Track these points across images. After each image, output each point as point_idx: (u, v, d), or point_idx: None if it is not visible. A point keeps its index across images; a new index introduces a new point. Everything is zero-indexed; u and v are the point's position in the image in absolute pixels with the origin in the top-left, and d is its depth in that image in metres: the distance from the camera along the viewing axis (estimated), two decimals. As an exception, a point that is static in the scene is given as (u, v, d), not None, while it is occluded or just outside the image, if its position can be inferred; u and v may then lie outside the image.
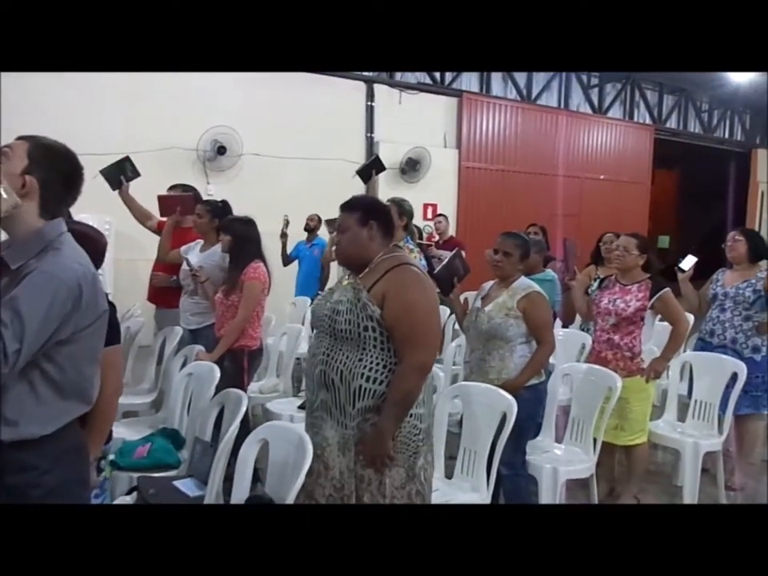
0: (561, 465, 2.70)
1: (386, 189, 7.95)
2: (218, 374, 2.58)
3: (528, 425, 2.61)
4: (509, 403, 2.31)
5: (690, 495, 3.04)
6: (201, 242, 3.45)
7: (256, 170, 6.99)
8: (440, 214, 6.72)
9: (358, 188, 7.52)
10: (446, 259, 2.79)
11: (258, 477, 1.96)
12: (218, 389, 2.51)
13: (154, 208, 4.17)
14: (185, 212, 3.61)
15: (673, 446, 3.25)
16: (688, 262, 3.42)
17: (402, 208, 3.39)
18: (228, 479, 2.02)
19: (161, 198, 3.79)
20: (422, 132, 8.25)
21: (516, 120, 9.16)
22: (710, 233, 12.73)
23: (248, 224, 3.07)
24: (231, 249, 3.00)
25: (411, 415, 1.87)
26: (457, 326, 4.07)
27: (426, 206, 8.09)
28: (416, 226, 5.10)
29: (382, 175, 8.02)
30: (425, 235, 6.37)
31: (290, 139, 7.19)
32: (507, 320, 2.55)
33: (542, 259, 3.65)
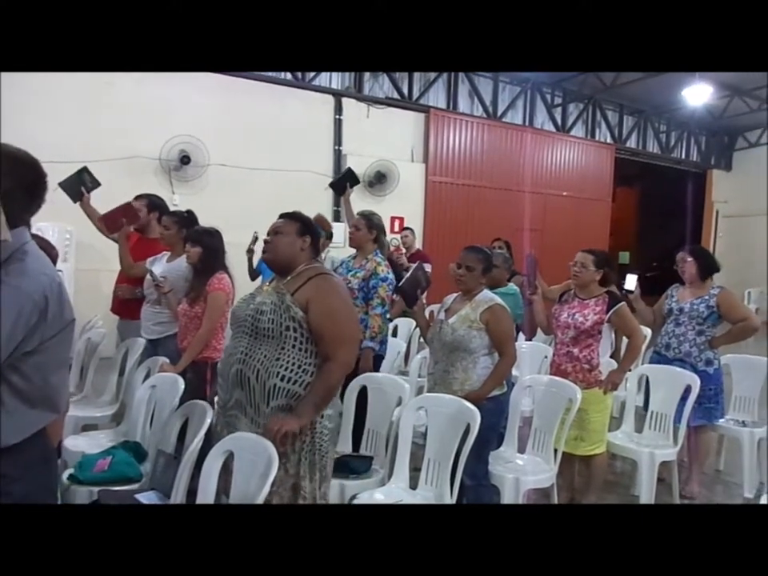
0: (523, 475, 2.75)
1: (353, 202, 8.00)
2: (182, 385, 2.56)
3: (490, 435, 2.66)
4: (472, 414, 2.35)
5: (646, 501, 3.12)
6: (168, 253, 3.42)
7: (222, 180, 6.97)
8: (407, 228, 6.79)
9: (325, 200, 7.60)
10: (409, 272, 2.84)
11: (224, 489, 1.95)
12: (182, 401, 2.49)
13: (117, 218, 4.11)
14: (132, 220, 3.58)
15: (630, 456, 3.34)
16: (630, 282, 3.53)
17: (371, 221, 3.44)
18: (191, 492, 2.00)
19: (103, 219, 3.72)
20: (389, 146, 8.35)
21: (482, 136, 9.34)
22: (669, 249, 13.22)
23: (215, 236, 3.07)
24: (197, 260, 2.99)
25: (323, 416, 2.02)
26: (422, 339, 4.13)
27: (393, 219, 8.16)
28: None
29: (349, 189, 8.12)
30: (391, 248, 6.43)
31: (257, 150, 7.19)
32: (470, 332, 2.60)
33: (507, 274, 3.73)
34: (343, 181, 4.42)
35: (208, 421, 2.16)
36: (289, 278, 2.10)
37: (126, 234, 3.56)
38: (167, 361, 2.94)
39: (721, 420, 3.60)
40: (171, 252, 3.39)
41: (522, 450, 3.03)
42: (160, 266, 3.34)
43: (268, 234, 2.17)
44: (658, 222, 14.25)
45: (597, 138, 10.88)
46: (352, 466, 2.60)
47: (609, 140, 11.07)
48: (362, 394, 2.87)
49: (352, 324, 2.12)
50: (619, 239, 12.95)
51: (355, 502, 2.34)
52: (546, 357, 3.84)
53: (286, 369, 1.98)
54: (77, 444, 2.74)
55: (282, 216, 2.21)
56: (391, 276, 3.27)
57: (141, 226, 3.68)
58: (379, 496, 2.43)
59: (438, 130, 8.87)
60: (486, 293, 2.72)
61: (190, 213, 3.58)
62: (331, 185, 4.53)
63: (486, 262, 2.73)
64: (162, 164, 6.67)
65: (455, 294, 2.80)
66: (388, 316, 3.42)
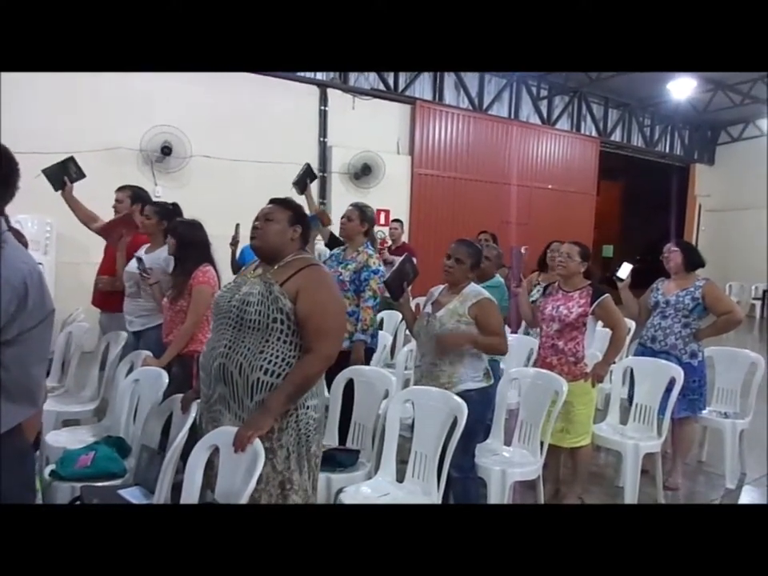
0: (509, 467, 2.76)
1: (339, 194, 7.99)
2: (165, 379, 2.53)
3: (477, 428, 2.66)
4: (460, 407, 2.35)
5: (630, 495, 3.15)
6: (148, 244, 3.37)
7: (206, 172, 6.89)
8: (395, 220, 6.77)
9: (310, 193, 7.54)
10: (396, 264, 2.82)
11: (208, 484, 1.93)
12: (166, 395, 2.46)
13: (99, 209, 4.05)
14: (131, 227, 3.54)
15: (615, 447, 3.37)
16: (624, 271, 3.55)
17: (364, 214, 3.41)
18: (176, 488, 1.98)
19: (103, 229, 3.72)
20: (375, 138, 8.31)
21: (468, 129, 9.34)
22: (652, 243, 13.35)
23: (194, 227, 3.01)
24: (176, 252, 2.94)
25: (308, 407, 2.00)
26: (408, 332, 4.13)
27: (379, 211, 8.14)
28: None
29: (334, 180, 8.06)
30: (378, 240, 6.41)
31: (241, 142, 7.12)
32: (459, 326, 2.59)
33: (496, 268, 3.72)
34: (304, 177, 4.38)
35: (193, 415, 2.13)
36: (276, 267, 2.05)
37: (126, 245, 3.50)
38: (150, 354, 2.89)
39: (704, 412, 3.65)
40: (151, 243, 3.34)
41: (508, 442, 3.04)
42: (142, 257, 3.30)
43: (257, 220, 2.11)
44: (641, 215, 14.38)
45: (582, 132, 10.93)
46: (338, 459, 2.59)
47: (594, 133, 11.13)
48: (349, 386, 2.86)
49: (339, 318, 2.09)
50: (603, 233, 13.05)
51: (342, 495, 2.33)
52: (532, 349, 3.85)
53: (269, 362, 1.95)
54: (58, 439, 2.69)
55: (272, 201, 2.15)
56: (383, 269, 3.25)
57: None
58: (366, 489, 2.42)
59: (423, 122, 8.84)
60: (474, 286, 2.71)
61: (174, 205, 3.52)
62: (294, 183, 4.46)
63: (475, 256, 2.72)
64: (144, 155, 6.57)
65: (441, 286, 2.79)
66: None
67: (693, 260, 3.61)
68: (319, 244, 5.69)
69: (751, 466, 3.81)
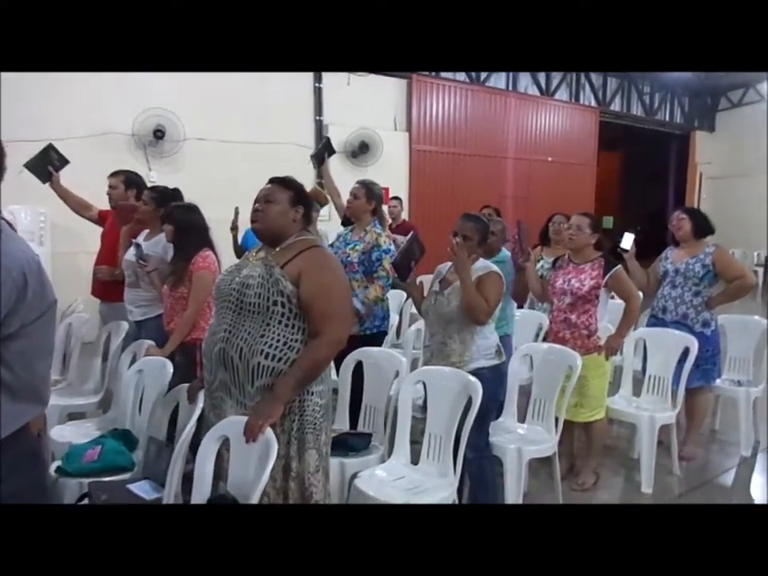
0: (525, 445, 2.71)
1: (336, 174, 7.81)
2: (170, 369, 2.46)
3: (491, 406, 2.60)
4: (474, 387, 2.28)
5: (646, 467, 3.11)
6: (147, 231, 3.28)
7: (201, 155, 6.75)
8: (394, 197, 6.65)
9: (308, 172, 7.40)
10: (404, 245, 2.72)
11: (219, 475, 1.87)
12: (171, 385, 2.39)
13: (93, 197, 3.95)
14: (132, 218, 3.42)
15: (629, 420, 3.32)
16: (627, 241, 3.47)
17: (371, 191, 3.30)
18: (187, 479, 1.92)
19: (116, 211, 3.58)
20: (371, 115, 8.14)
21: (465, 102, 9.16)
22: (652, 213, 13.24)
23: (190, 211, 2.92)
24: (174, 238, 2.86)
25: (312, 393, 1.94)
26: (414, 310, 4.05)
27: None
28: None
29: (332, 159, 7.89)
30: (385, 219, 6.30)
31: (236, 123, 6.96)
32: (467, 302, 2.51)
33: (502, 242, 3.64)
34: (322, 151, 4.27)
35: (200, 405, 2.07)
36: (278, 249, 1.99)
37: (128, 233, 3.39)
38: (153, 344, 2.82)
39: (717, 381, 3.59)
40: (149, 230, 3.25)
41: (521, 419, 2.99)
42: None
43: (257, 201, 2.03)
44: (641, 186, 14.22)
45: (581, 102, 10.73)
46: (351, 443, 2.53)
47: (593, 103, 10.93)
48: (358, 369, 2.80)
49: (345, 300, 2.00)
50: (603, 204, 12.89)
51: (357, 480, 2.28)
52: (540, 324, 3.78)
53: (270, 346, 1.88)
54: (63, 434, 2.63)
55: (272, 181, 2.06)
56: (393, 248, 3.14)
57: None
58: (381, 473, 2.36)
59: (420, 96, 8.67)
60: (483, 261, 2.63)
61: (175, 191, 3.41)
62: (312, 156, 4.38)
63: (483, 232, 2.63)
64: (136, 139, 6.44)
65: (449, 264, 2.70)
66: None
67: (702, 227, 3.53)
68: (321, 224, 5.61)
69: (764, 432, 3.77)
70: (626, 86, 11.39)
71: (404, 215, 6.94)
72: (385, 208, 6.79)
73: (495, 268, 2.59)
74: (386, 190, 8.05)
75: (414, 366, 3.26)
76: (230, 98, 6.93)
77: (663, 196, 13.53)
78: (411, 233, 2.88)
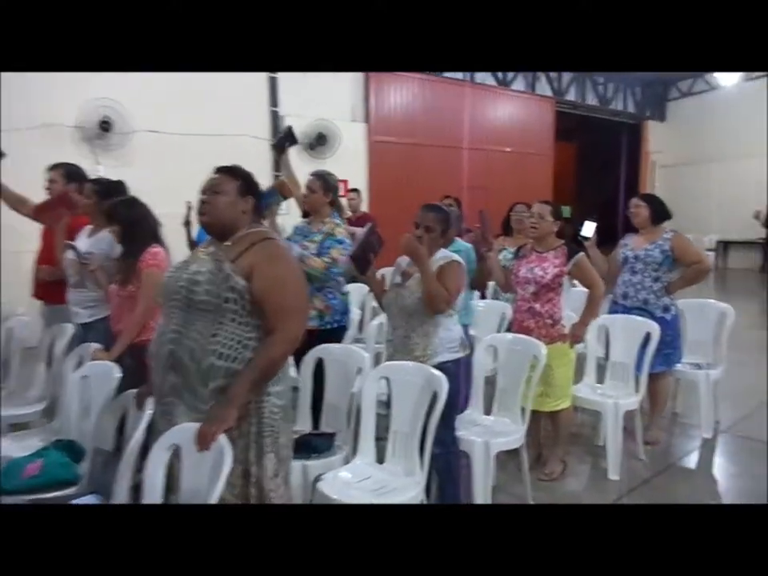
0: (492, 438, 2.66)
1: (294, 166, 7.65)
2: (117, 373, 2.30)
3: (457, 400, 2.53)
4: (440, 381, 2.21)
5: (613, 454, 3.11)
6: (90, 226, 3.09)
7: (152, 148, 6.48)
8: (353, 189, 6.54)
9: (264, 165, 7.22)
10: (362, 237, 2.62)
11: (171, 487, 1.74)
12: (119, 390, 2.24)
13: (36, 193, 3.72)
14: (70, 206, 3.19)
15: (594, 408, 3.31)
16: (588, 229, 3.46)
17: (328, 183, 3.18)
18: (137, 492, 1.79)
19: (39, 212, 3.29)
20: (328, 106, 8.00)
21: (423, 93, 9.10)
22: (607, 201, 13.49)
23: (133, 206, 2.73)
24: (120, 235, 2.69)
25: (270, 394, 1.84)
26: (376, 304, 3.96)
27: (340, 182, 7.88)
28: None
29: (290, 152, 7.75)
30: (344, 209, 6.18)
31: (188, 115, 6.71)
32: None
33: (457, 231, 3.58)
34: (282, 141, 4.11)
35: (149, 412, 1.93)
36: (228, 242, 1.88)
37: (66, 226, 3.16)
38: (99, 347, 2.65)
39: (678, 365, 3.63)
40: (93, 225, 3.06)
41: (488, 411, 2.94)
42: (82, 241, 3.02)
43: (203, 193, 1.90)
44: (596, 175, 14.48)
45: (537, 92, 10.81)
46: (314, 444, 2.43)
47: (549, 93, 11.02)
48: (319, 366, 2.69)
49: (300, 294, 1.89)
50: (560, 194, 13.05)
51: (320, 483, 2.18)
52: (504, 314, 3.75)
53: (223, 345, 1.77)
54: (4, 447, 2.44)
55: (219, 170, 1.94)
56: (348, 241, 3.04)
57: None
58: (345, 474, 2.27)
59: (378, 87, 8.57)
60: (443, 252, 2.56)
61: (119, 183, 3.22)
62: (273, 146, 4.21)
63: (445, 222, 2.55)
64: (81, 132, 6.13)
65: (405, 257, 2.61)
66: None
67: (659, 213, 3.55)
68: (280, 218, 5.45)
69: (723, 412, 3.84)
70: (581, 75, 11.52)
71: (364, 207, 6.83)
72: (344, 200, 6.73)
73: (456, 257, 2.52)
74: (345, 182, 7.99)
75: (377, 360, 3.18)
76: (181, 89, 6.67)
77: (617, 184, 13.80)
78: (369, 224, 2.79)
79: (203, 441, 1.63)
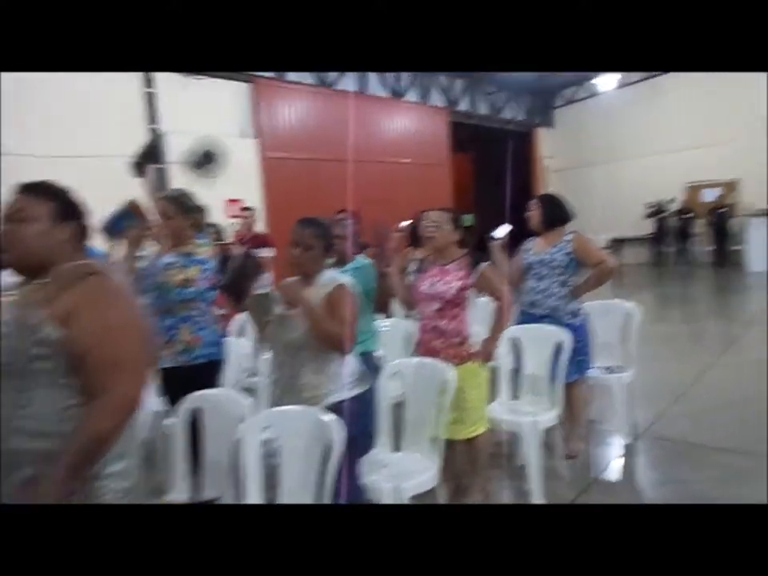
0: (403, 480, 2.32)
1: (182, 186, 7.11)
2: None
3: (359, 443, 2.18)
4: (331, 427, 1.85)
5: (535, 476, 2.88)
6: None
7: (15, 172, 5.69)
8: (246, 208, 6.09)
9: (141, 188, 6.61)
10: (235, 264, 2.23)
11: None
12: None
13: None
14: None
15: (511, 428, 3.08)
16: (502, 230, 3.28)
17: (183, 204, 2.71)
18: None
19: None
20: (215, 121, 7.51)
21: (316, 106, 8.81)
22: (505, 208, 13.81)
23: None
24: None
25: (108, 476, 1.40)
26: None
27: (230, 201, 7.38)
28: (212, 224, 4.46)
29: (175, 172, 7.16)
30: (213, 227, 5.69)
31: (57, 135, 6.02)
32: (319, 324, 2.08)
33: (354, 246, 3.25)
34: (142, 159, 3.62)
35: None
36: (41, 282, 1.44)
37: None
38: None
39: (589, 370, 3.49)
40: None
41: (397, 447, 2.62)
42: None
43: (5, 221, 1.45)
44: (494, 183, 14.78)
45: (431, 103, 10.83)
46: (188, 517, 1.99)
47: (442, 104, 11.09)
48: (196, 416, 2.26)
49: (136, 343, 1.46)
50: (461, 204, 13.23)
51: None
52: (411, 334, 3.46)
53: (35, 420, 1.33)
54: None
55: (23, 190, 1.48)
56: (211, 263, 2.60)
57: None
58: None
59: (267, 101, 8.17)
60: (329, 274, 2.22)
61: None
62: (133, 166, 3.70)
63: (325, 237, 2.21)
64: None
65: (293, 279, 2.25)
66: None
67: (555, 214, 3.39)
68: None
69: (638, 413, 3.74)
70: (473, 85, 11.71)
71: (261, 226, 6.40)
72: (238, 221, 6.27)
73: (341, 278, 2.19)
74: (238, 202, 7.51)
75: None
76: (49, 106, 5.98)
77: (513, 191, 14.14)
78: (245, 250, 2.40)
79: None
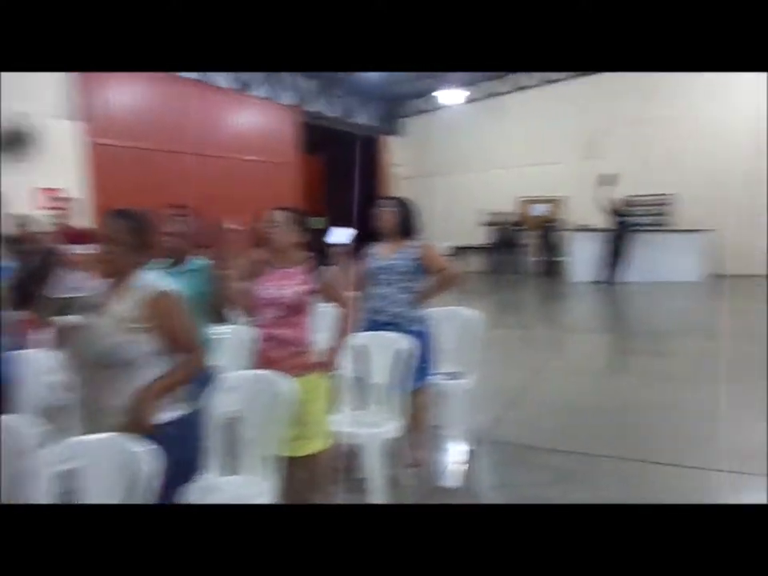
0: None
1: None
2: None
3: (183, 471, 1.90)
4: (144, 459, 1.56)
5: (378, 489, 2.78)
6: None
7: None
8: (61, 198, 5.35)
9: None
10: (30, 264, 1.84)
11: None
12: None
13: None
14: None
15: (354, 441, 2.95)
16: (339, 236, 3.16)
17: None
18: None
19: None
20: (26, 99, 6.54)
21: (155, 92, 8.12)
22: (353, 213, 13.93)
23: None
24: None
25: None
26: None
27: (45, 191, 6.47)
28: (18, 216, 3.83)
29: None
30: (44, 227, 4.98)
31: None
32: (130, 336, 1.76)
33: (189, 246, 2.92)
34: None
35: None
36: None
37: None
38: None
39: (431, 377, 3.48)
40: None
41: (233, 470, 2.36)
42: None
43: None
44: (343, 187, 14.84)
45: (281, 100, 10.54)
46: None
47: (292, 102, 10.85)
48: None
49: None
50: (312, 206, 13.10)
51: None
52: (251, 341, 3.19)
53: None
54: None
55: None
56: (5, 265, 2.14)
57: None
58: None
59: (99, 82, 7.33)
60: (145, 276, 1.90)
61: None
62: None
63: (140, 233, 1.90)
64: None
65: (99, 281, 1.90)
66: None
67: (409, 224, 3.35)
68: None
69: (477, 417, 3.82)
70: (325, 87, 11.62)
71: (84, 220, 5.68)
72: (53, 213, 5.50)
73: (163, 285, 1.88)
74: (55, 191, 6.61)
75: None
76: None
77: (361, 196, 14.31)
78: (45, 249, 2.00)
79: None
